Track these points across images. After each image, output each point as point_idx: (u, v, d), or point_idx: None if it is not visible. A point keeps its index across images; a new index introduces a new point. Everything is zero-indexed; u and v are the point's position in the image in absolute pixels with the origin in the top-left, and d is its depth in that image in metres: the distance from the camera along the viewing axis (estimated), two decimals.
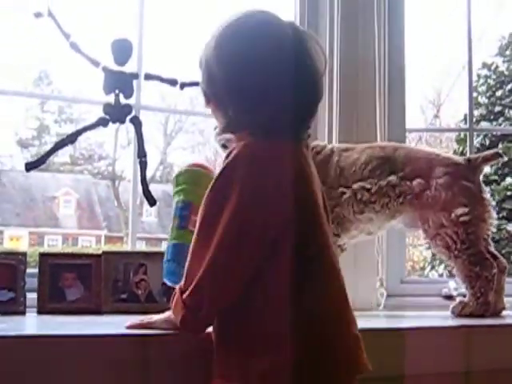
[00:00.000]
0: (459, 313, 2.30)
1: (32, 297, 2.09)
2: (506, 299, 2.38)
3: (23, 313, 2.03)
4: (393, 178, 2.35)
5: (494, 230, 2.40)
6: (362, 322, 2.27)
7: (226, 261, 1.44)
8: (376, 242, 2.65)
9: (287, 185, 1.49)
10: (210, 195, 1.48)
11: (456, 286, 2.64)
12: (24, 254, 2.10)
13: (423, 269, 10.16)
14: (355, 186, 2.37)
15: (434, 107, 13.44)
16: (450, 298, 2.60)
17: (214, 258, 1.43)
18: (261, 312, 1.45)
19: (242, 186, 1.45)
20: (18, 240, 14.94)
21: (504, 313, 2.35)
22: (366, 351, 1.58)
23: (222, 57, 1.58)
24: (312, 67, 1.59)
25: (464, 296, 2.36)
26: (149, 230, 15.08)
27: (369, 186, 2.36)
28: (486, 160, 2.42)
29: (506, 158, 2.47)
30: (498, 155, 2.45)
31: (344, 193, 2.37)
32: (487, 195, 2.38)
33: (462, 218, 2.30)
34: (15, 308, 2.03)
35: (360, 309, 2.57)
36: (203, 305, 1.45)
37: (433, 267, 9.64)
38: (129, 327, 1.67)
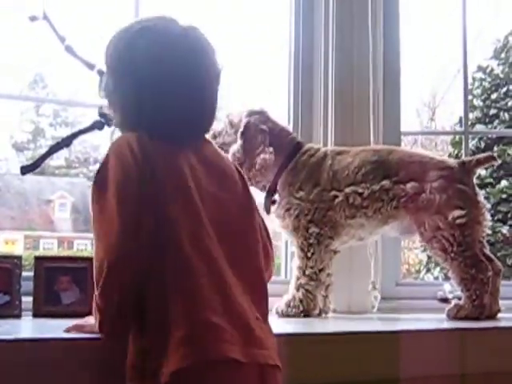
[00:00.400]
0: (454, 315, 2.31)
1: (27, 300, 2.08)
2: (501, 302, 2.39)
3: (19, 316, 2.03)
4: (386, 182, 2.36)
5: (490, 232, 2.41)
6: (357, 324, 2.28)
7: (115, 254, 1.44)
8: (369, 245, 2.65)
9: (148, 180, 1.50)
10: (93, 190, 1.53)
11: (451, 288, 2.64)
12: (19, 258, 2.10)
13: (418, 272, 10.16)
14: (347, 189, 2.37)
15: (430, 110, 13.46)
16: (445, 300, 2.60)
17: (104, 254, 1.45)
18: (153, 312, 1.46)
19: (113, 179, 1.49)
20: (13, 243, 14.91)
21: (499, 315, 2.35)
22: (361, 354, 1.58)
23: (107, 62, 1.70)
24: (195, 71, 1.63)
25: (459, 299, 2.36)
26: None
27: (361, 191, 2.36)
28: (480, 163, 2.43)
29: (499, 161, 2.49)
30: (491, 158, 2.46)
31: (336, 196, 2.37)
32: (481, 198, 2.40)
33: (458, 221, 2.31)
34: (10, 311, 2.03)
35: (355, 311, 2.59)
36: (111, 303, 1.47)
37: (428, 270, 9.64)
38: (66, 330, 1.66)
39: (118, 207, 1.46)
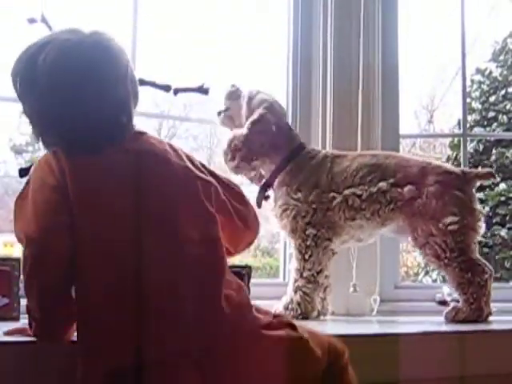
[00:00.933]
0: (452, 318, 2.31)
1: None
2: (496, 304, 2.39)
3: (17, 319, 2.03)
4: (383, 185, 2.36)
5: (488, 235, 2.42)
6: (356, 327, 2.28)
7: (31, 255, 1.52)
8: (352, 248, 2.64)
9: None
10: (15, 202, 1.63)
11: (450, 291, 2.64)
12: (18, 260, 2.09)
13: (417, 274, 10.15)
14: (346, 191, 2.37)
15: (428, 112, 13.45)
16: (443, 303, 2.60)
17: (27, 252, 1.53)
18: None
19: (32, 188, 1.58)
20: (11, 246, 14.91)
21: (490, 318, 2.35)
22: (360, 356, 1.58)
23: (14, 87, 1.68)
24: (88, 78, 1.62)
25: (458, 301, 2.36)
26: None
27: (359, 193, 2.36)
28: (479, 177, 2.46)
29: (498, 179, 2.50)
30: (490, 175, 2.48)
31: (335, 198, 2.37)
32: (478, 206, 2.40)
33: (450, 227, 2.31)
34: (9, 314, 2.03)
35: (354, 314, 2.59)
36: (35, 304, 1.53)
37: (427, 272, 9.61)
38: (6, 333, 1.68)
39: (33, 207, 1.54)
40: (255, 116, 2.42)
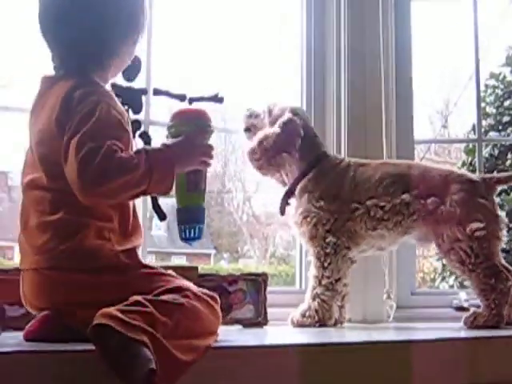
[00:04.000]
0: (471, 323, 2.29)
1: None
2: None
3: None
4: (406, 196, 2.35)
5: (506, 240, 2.41)
6: (373, 334, 2.28)
7: None
8: (385, 254, 2.65)
9: None
10: None
11: (467, 297, 2.64)
12: None
13: (433, 280, 10.11)
14: (369, 202, 2.37)
15: (442, 117, 13.42)
16: (460, 309, 2.59)
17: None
18: None
19: None
20: None
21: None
22: (377, 363, 1.57)
23: None
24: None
25: (478, 307, 2.35)
26: (158, 243, 15.06)
27: (383, 204, 2.36)
28: (500, 182, 2.45)
29: None
30: (511, 178, 2.46)
31: (357, 208, 2.37)
32: (500, 213, 2.39)
33: (477, 233, 2.30)
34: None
35: (370, 321, 2.58)
36: None
37: (443, 278, 9.58)
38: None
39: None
40: (285, 117, 2.43)
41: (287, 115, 2.44)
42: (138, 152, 1.67)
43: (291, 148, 2.42)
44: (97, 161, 1.56)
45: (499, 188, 2.44)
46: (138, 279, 1.66)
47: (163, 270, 1.74)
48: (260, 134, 2.45)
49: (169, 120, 1.87)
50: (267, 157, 2.42)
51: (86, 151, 1.57)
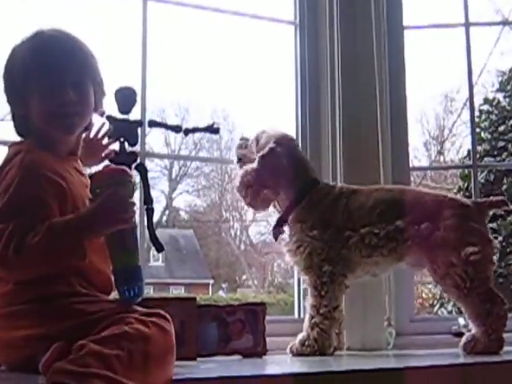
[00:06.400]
0: (471, 350, 2.29)
1: None
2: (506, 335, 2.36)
3: None
4: (400, 223, 2.35)
5: (503, 264, 2.41)
6: (373, 361, 2.27)
7: None
8: (384, 281, 2.65)
9: None
10: None
11: (465, 322, 2.63)
12: None
13: (432, 306, 10.10)
14: (363, 230, 2.36)
15: (438, 144, 13.47)
16: (459, 335, 2.58)
17: None
18: None
19: None
20: None
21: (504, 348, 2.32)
22: None
23: None
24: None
25: (469, 331, 2.34)
26: (156, 274, 15.03)
27: (377, 231, 2.35)
28: (492, 206, 2.47)
29: (511, 206, 2.50)
30: (503, 203, 2.49)
31: (351, 236, 2.37)
32: (492, 238, 2.40)
33: (472, 257, 2.30)
34: None
35: (370, 348, 2.57)
36: None
37: (442, 304, 9.57)
38: None
39: None
40: (265, 150, 2.43)
41: (268, 147, 2.43)
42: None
43: (272, 183, 2.42)
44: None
45: (491, 212, 2.45)
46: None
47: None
48: (242, 171, 2.45)
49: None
50: (252, 194, 2.42)
51: None
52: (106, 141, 2.17)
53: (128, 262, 1.79)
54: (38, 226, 1.64)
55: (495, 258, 2.38)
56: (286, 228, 2.47)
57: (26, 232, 1.63)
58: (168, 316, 1.68)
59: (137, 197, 2.45)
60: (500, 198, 2.55)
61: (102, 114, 2.08)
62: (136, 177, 2.10)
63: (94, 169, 2.01)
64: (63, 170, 1.82)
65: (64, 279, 1.72)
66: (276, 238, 2.48)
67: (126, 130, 2.11)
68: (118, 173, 1.80)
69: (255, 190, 2.41)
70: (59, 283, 1.72)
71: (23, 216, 1.65)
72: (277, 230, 2.47)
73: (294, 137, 2.68)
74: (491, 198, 2.55)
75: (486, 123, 10.16)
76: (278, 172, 2.42)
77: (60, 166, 1.81)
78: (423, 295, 10.58)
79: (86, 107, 1.88)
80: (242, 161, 2.53)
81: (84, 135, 2.02)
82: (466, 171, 8.92)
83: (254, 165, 2.42)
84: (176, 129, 2.25)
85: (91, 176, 1.83)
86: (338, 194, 2.44)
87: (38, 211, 1.68)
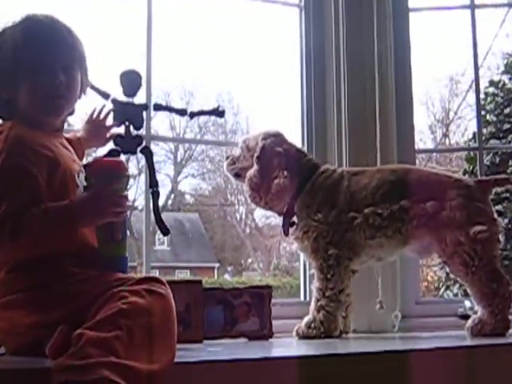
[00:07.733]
0: (478, 332, 2.29)
1: None
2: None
3: None
4: (405, 202, 2.35)
5: (508, 247, 2.41)
6: (379, 344, 2.28)
7: None
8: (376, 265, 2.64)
9: None
10: None
11: (471, 305, 2.63)
12: None
13: (438, 289, 10.11)
14: (367, 210, 2.36)
15: (443, 126, 13.44)
16: (465, 317, 2.58)
17: None
18: None
19: None
20: None
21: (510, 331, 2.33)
22: (384, 374, 1.56)
23: None
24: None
25: (475, 313, 2.34)
26: (162, 258, 15.07)
27: (380, 211, 2.35)
28: (496, 184, 2.46)
29: None
30: (507, 181, 2.49)
31: (355, 217, 2.36)
32: (503, 220, 2.40)
33: (480, 235, 2.30)
34: None
35: (376, 331, 2.58)
36: None
37: (447, 287, 9.58)
38: None
39: None
40: (257, 150, 2.44)
41: (258, 146, 2.45)
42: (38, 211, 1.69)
43: (278, 170, 2.42)
44: None
45: (494, 190, 2.46)
46: None
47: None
48: (246, 179, 2.45)
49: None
50: (264, 192, 2.42)
51: None
52: (109, 122, 2.18)
53: (114, 252, 1.84)
54: (32, 209, 1.66)
55: (501, 237, 2.39)
56: (295, 218, 2.46)
57: (19, 215, 1.64)
58: (161, 278, 1.67)
59: (142, 180, 2.45)
60: (503, 175, 2.55)
61: (107, 97, 2.08)
62: (141, 160, 2.10)
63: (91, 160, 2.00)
64: (50, 144, 1.83)
65: (55, 263, 1.72)
66: (286, 232, 2.46)
67: (131, 114, 2.11)
68: (115, 166, 1.84)
69: (265, 188, 2.41)
70: (51, 268, 1.72)
71: (13, 194, 1.67)
72: (286, 222, 2.46)
73: (299, 122, 2.68)
74: (494, 176, 2.55)
75: (492, 105, 10.15)
76: (279, 160, 2.43)
77: (47, 140, 1.83)
78: (428, 278, 10.59)
79: (73, 92, 1.90)
80: (240, 176, 2.54)
81: (87, 117, 2.03)
82: (472, 153, 8.92)
83: (254, 167, 2.43)
84: (181, 112, 2.24)
85: (88, 164, 1.85)
86: (339, 177, 2.44)
87: (26, 185, 1.70)
